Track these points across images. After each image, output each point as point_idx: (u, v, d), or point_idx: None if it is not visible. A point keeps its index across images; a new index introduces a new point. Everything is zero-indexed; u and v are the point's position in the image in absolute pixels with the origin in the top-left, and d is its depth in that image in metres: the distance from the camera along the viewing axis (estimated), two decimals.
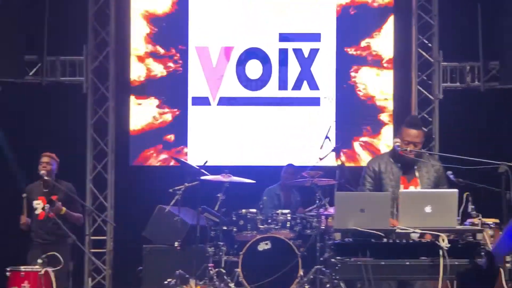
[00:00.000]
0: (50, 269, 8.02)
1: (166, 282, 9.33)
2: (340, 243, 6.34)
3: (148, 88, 11.38)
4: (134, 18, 11.37)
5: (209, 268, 9.22)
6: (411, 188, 7.00)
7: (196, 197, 9.49)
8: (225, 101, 11.35)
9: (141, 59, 11.38)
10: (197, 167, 9.58)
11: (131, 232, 10.63)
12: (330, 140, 9.88)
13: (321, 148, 9.81)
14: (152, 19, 11.40)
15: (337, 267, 6.20)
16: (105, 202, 11.34)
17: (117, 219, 11.15)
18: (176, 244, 9.48)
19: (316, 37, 11.34)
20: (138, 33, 11.38)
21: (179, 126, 11.32)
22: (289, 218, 9.63)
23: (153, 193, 10.51)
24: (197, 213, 9.39)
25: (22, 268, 8.09)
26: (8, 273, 8.04)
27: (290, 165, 10.58)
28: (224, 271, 9.29)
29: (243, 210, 9.65)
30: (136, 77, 11.38)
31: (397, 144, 7.00)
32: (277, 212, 9.68)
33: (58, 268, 8.12)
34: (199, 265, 9.24)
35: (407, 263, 6.24)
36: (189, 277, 9.21)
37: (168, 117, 11.35)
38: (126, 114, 11.39)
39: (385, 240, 6.28)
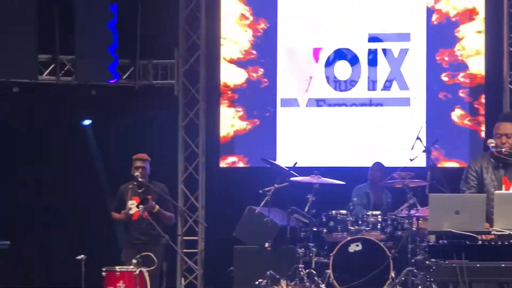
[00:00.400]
0: (144, 269, 8.15)
1: (257, 282, 9.39)
2: (434, 245, 6.29)
3: (237, 90, 11.46)
4: (224, 21, 11.47)
5: (300, 269, 9.25)
6: None
7: (285, 198, 9.54)
8: (314, 102, 11.35)
9: (231, 61, 11.48)
10: (287, 169, 9.62)
11: (221, 233, 10.75)
12: (421, 141, 9.79)
13: (412, 149, 9.73)
14: (242, 22, 11.48)
15: (431, 269, 6.16)
16: (196, 202, 11.49)
17: (208, 220, 11.27)
18: (266, 245, 9.55)
19: (405, 37, 11.24)
20: (229, 35, 11.48)
21: (268, 128, 11.37)
22: (379, 219, 9.57)
23: (243, 194, 10.61)
24: (286, 214, 9.44)
25: (118, 268, 8.23)
26: (103, 273, 8.19)
27: (376, 163, 10.49)
28: (314, 272, 9.31)
29: (333, 212, 9.64)
30: (226, 80, 11.48)
31: (492, 145, 6.90)
32: (368, 213, 9.64)
33: (152, 268, 8.25)
34: (290, 266, 9.28)
35: (503, 265, 6.15)
36: (280, 277, 9.26)
37: (257, 119, 11.41)
38: (216, 116, 11.51)
39: (480, 242, 6.20)
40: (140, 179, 8.92)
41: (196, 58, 11.56)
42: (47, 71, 11.29)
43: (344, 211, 9.64)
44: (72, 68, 11.33)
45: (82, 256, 8.15)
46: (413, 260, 9.21)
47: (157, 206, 8.83)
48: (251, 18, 11.47)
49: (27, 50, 10.93)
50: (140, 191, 9.00)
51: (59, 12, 11.07)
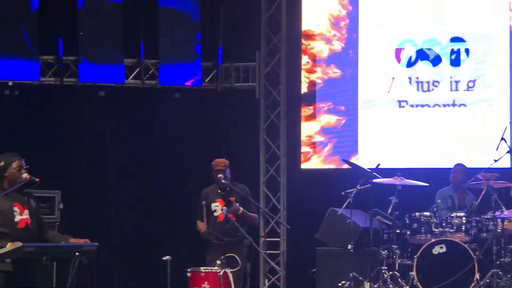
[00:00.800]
0: (228, 270, 8.24)
1: (340, 284, 9.40)
2: None
3: (318, 92, 11.48)
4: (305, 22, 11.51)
5: (383, 271, 9.23)
6: None
7: (368, 200, 9.52)
8: (396, 103, 11.29)
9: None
10: (369, 170, 9.59)
11: (303, 234, 10.78)
12: (505, 141, 9.66)
13: (496, 149, 9.60)
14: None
15: None
16: (278, 204, 11.55)
17: (290, 221, 11.29)
18: (349, 246, 9.54)
19: (488, 36, 11.09)
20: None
21: (350, 129, 11.36)
22: (464, 221, 9.49)
23: (325, 195, 10.62)
24: (369, 216, 9.42)
25: (202, 269, 8.33)
26: (188, 274, 8.29)
27: (458, 165, 10.36)
28: (398, 274, 9.28)
29: (417, 213, 9.60)
30: (306, 81, 11.51)
31: None
32: (452, 215, 9.56)
33: (236, 269, 8.33)
34: (373, 268, 9.27)
35: None
36: (363, 279, 9.25)
37: (338, 120, 11.41)
38: (297, 118, 11.54)
39: None
40: (223, 181, 9.00)
41: (277, 61, 11.63)
42: (132, 75, 11.53)
43: (427, 213, 9.58)
44: (156, 71, 11.54)
45: (167, 257, 8.27)
46: (498, 262, 9.10)
47: (241, 208, 8.91)
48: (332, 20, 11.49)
49: (114, 55, 11.21)
50: (223, 193, 9.08)
51: (143, 17, 11.30)
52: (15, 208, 6.97)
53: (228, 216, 8.72)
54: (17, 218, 6.95)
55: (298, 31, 11.52)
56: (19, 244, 6.69)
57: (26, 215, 7.01)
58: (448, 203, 10.19)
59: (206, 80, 11.71)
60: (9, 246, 6.72)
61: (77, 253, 6.83)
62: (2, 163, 7.04)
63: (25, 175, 7.06)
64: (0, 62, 10.92)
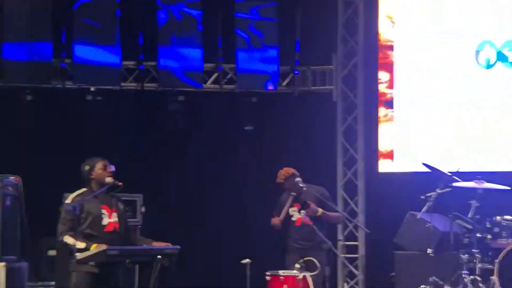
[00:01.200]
0: (307, 274, 8.26)
1: None
2: None
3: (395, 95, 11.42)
4: (382, 25, 11.45)
5: (464, 275, 9.12)
6: None
7: (448, 204, 9.41)
8: (474, 105, 11.11)
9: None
10: (449, 174, 9.50)
11: (382, 238, 10.70)
12: None
13: None
14: None
15: None
16: (356, 208, 11.52)
17: (368, 225, 11.25)
18: (429, 250, 9.44)
19: None
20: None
21: (428, 131, 11.24)
22: None
23: (403, 199, 10.52)
24: (449, 220, 9.32)
25: (281, 272, 8.38)
26: (268, 277, 8.34)
27: None
28: (479, 278, 9.14)
29: (498, 217, 9.45)
30: (383, 82, 11.46)
31: None
32: None
33: (315, 273, 8.34)
34: (453, 272, 9.17)
35: None
36: (444, 284, 9.16)
37: (416, 123, 11.30)
38: (374, 121, 11.48)
39: None
40: (301, 185, 9.02)
41: (354, 63, 11.60)
42: (211, 80, 11.64)
43: (509, 217, 9.42)
44: (234, 76, 11.63)
45: (247, 260, 8.33)
46: None
47: (320, 210, 8.92)
48: None
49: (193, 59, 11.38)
50: (300, 197, 9.10)
51: (222, 23, 11.42)
52: (103, 211, 7.12)
53: (304, 220, 8.74)
54: (105, 221, 7.10)
55: (375, 34, 11.46)
56: (104, 246, 6.83)
57: (114, 218, 7.15)
58: None
59: (283, 84, 11.75)
60: (94, 249, 6.88)
61: (159, 256, 6.95)
62: (88, 167, 7.23)
63: (109, 179, 7.22)
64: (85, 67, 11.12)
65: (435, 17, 11.26)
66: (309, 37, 11.60)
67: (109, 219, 7.12)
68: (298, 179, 9.04)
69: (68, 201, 7.18)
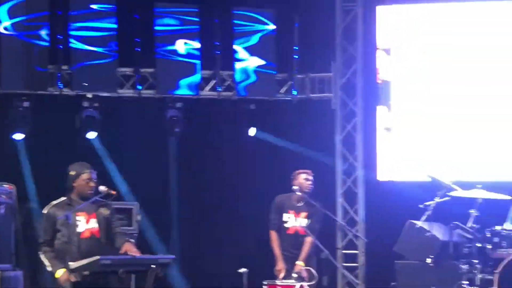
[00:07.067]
0: (305, 284, 8.18)
1: None
2: None
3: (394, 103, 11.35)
4: (380, 33, 11.38)
5: (463, 285, 9.03)
6: None
7: (447, 213, 9.35)
8: (480, 114, 11.03)
9: None
10: (451, 184, 9.42)
11: (382, 247, 10.62)
12: None
13: None
14: None
15: None
16: (355, 216, 11.43)
17: (367, 234, 11.18)
18: (428, 260, 9.36)
19: None
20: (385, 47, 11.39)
21: (428, 139, 11.15)
22: None
23: (403, 208, 10.43)
24: (449, 229, 9.24)
25: (278, 282, 8.31)
26: (265, 287, 8.28)
27: None
28: None
29: (498, 227, 9.37)
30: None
31: None
32: None
33: (313, 282, 8.25)
34: (453, 282, 9.08)
35: None
36: None
37: (416, 132, 11.23)
38: (373, 129, 11.41)
39: None
40: (305, 190, 8.88)
41: (353, 71, 11.53)
42: (209, 87, 11.57)
43: (510, 227, 9.33)
44: (232, 83, 11.56)
45: (244, 269, 8.25)
46: None
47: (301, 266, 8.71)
48: None
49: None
50: (298, 204, 8.96)
51: (220, 30, 11.36)
52: (78, 217, 6.96)
53: (299, 230, 8.66)
54: (81, 227, 6.95)
55: (374, 41, 11.39)
56: (66, 276, 6.72)
57: (92, 224, 7.00)
58: None
59: (281, 91, 11.67)
60: (62, 274, 6.77)
61: (153, 266, 6.85)
62: (74, 173, 7.06)
63: (102, 188, 7.10)
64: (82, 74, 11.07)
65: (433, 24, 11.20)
66: (307, 45, 11.53)
67: (86, 224, 6.97)
68: (307, 184, 8.91)
69: (44, 210, 7.05)
